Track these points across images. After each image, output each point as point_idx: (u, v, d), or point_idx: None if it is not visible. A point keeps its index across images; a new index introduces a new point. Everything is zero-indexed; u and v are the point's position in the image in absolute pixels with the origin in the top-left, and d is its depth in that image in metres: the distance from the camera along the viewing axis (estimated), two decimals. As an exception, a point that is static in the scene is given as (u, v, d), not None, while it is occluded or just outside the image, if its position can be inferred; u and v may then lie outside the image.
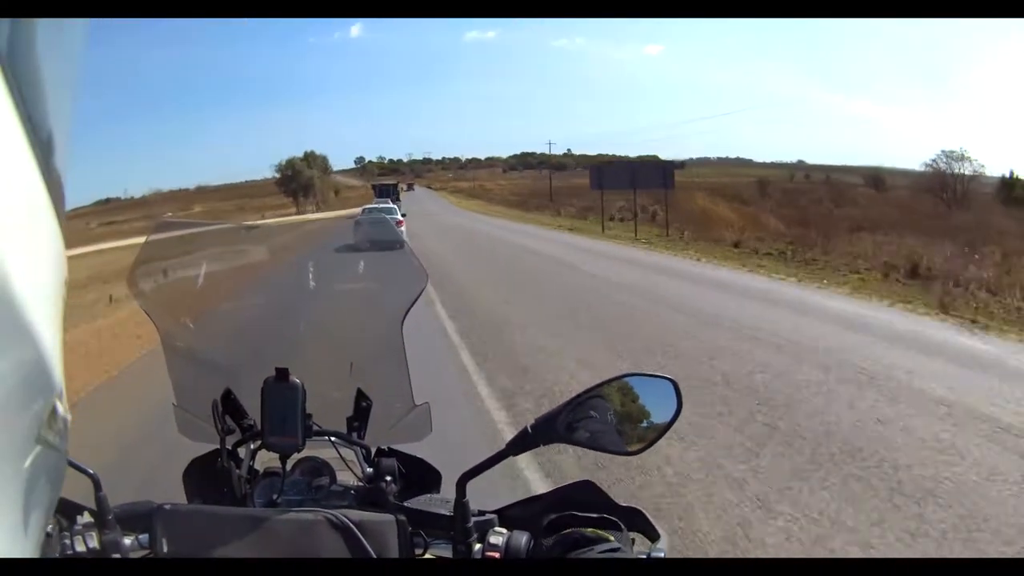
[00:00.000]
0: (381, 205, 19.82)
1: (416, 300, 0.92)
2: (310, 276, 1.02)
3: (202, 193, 68.61)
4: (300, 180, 54.96)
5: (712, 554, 2.41)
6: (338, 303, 1.07)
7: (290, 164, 56.49)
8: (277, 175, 56.11)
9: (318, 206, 50.74)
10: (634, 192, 20.42)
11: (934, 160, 33.49)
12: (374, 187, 51.60)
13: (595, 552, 0.65)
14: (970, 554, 2.35)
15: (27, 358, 0.32)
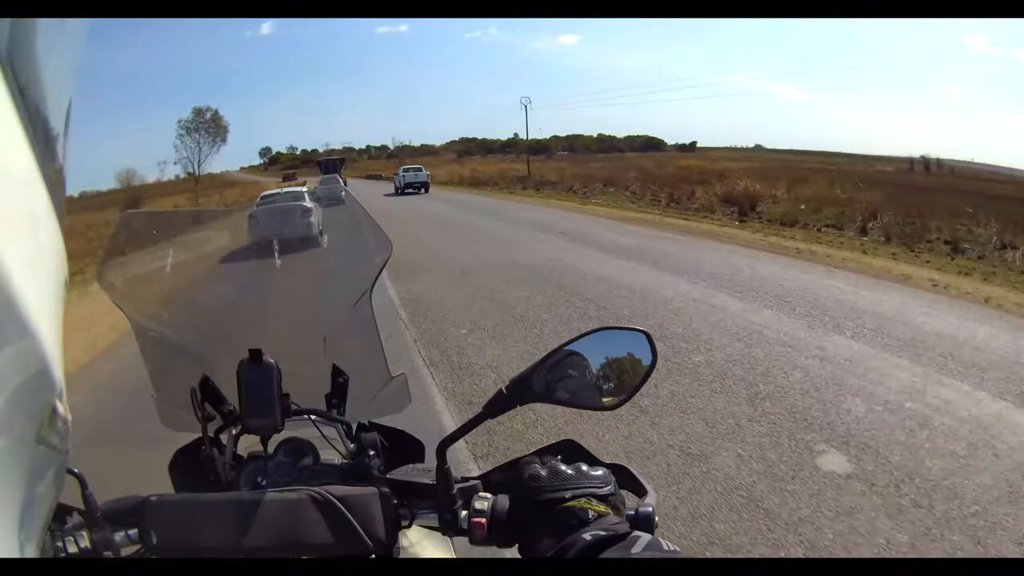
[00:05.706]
0: (286, 190, 13.86)
1: (382, 270, 0.91)
2: (276, 254, 1.00)
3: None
4: None
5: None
6: (304, 279, 1.05)
7: None
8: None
9: None
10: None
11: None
12: (318, 163, 46.12)
13: (595, 529, 0.61)
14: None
15: (27, 358, 0.33)
